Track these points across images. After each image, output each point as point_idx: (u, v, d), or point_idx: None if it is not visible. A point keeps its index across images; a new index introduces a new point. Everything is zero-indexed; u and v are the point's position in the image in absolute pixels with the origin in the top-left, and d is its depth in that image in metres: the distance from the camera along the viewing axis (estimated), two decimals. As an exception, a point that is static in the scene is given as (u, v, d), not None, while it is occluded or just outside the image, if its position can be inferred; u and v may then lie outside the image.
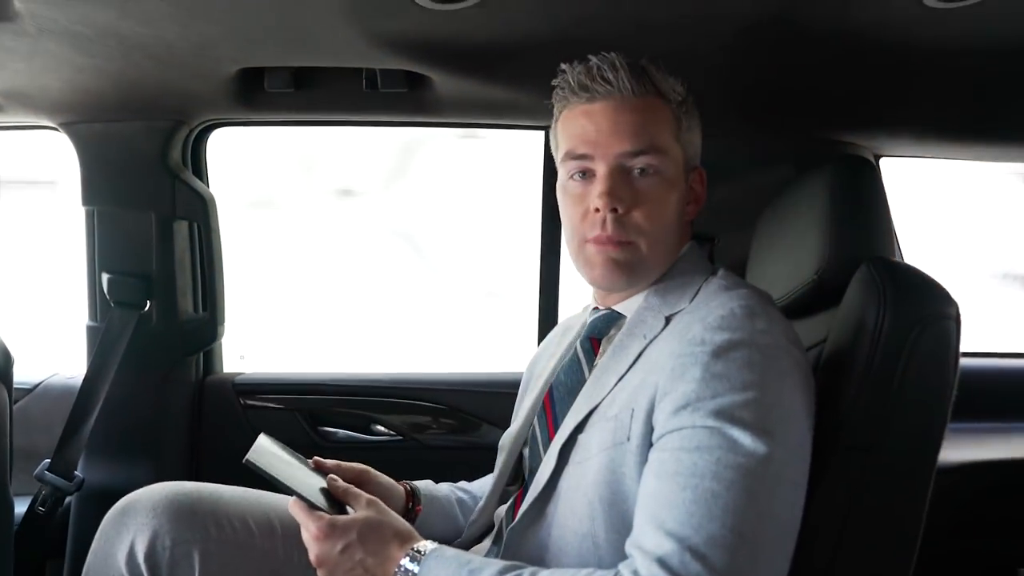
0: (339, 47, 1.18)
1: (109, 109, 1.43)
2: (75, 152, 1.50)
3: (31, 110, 1.45)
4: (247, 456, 0.83)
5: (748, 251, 1.17)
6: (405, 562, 0.81)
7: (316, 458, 0.98)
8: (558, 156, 0.96)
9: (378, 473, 1.06)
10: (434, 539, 1.06)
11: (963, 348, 0.89)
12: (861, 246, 0.96)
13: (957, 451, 1.17)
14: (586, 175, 0.91)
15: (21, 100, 1.39)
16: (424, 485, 1.11)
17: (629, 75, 0.89)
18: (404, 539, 0.84)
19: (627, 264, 0.90)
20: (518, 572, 0.78)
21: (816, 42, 1.10)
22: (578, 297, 1.11)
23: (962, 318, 0.88)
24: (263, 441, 0.92)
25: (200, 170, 1.60)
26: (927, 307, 0.87)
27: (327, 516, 0.84)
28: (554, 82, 0.95)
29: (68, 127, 1.48)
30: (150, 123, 1.47)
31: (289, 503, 0.86)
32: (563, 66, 0.94)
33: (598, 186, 0.89)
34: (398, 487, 1.07)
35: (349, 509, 0.88)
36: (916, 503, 0.87)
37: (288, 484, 0.84)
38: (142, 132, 1.47)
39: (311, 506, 0.85)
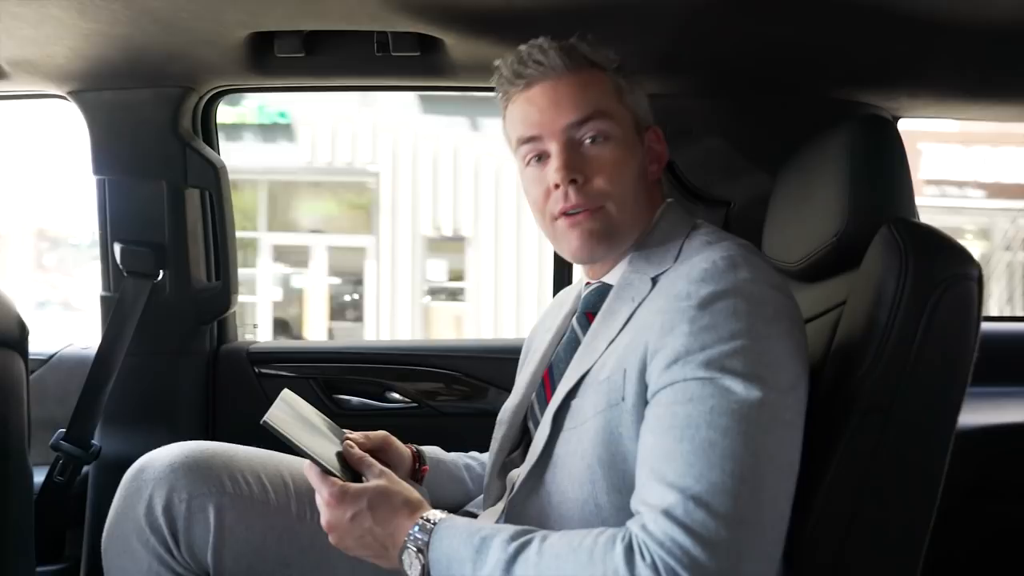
0: (350, 9, 1.16)
1: (117, 77, 1.41)
2: (84, 121, 1.48)
3: (38, 78, 1.43)
4: (264, 418, 0.83)
5: (764, 215, 1.16)
6: (415, 531, 0.82)
7: (346, 434, 0.99)
8: (512, 148, 0.97)
9: (396, 440, 1.08)
10: (444, 502, 1.07)
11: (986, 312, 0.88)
12: (881, 207, 0.94)
13: (977, 414, 1.16)
14: (541, 158, 0.93)
15: (28, 68, 1.38)
16: (431, 449, 1.13)
17: (558, 53, 0.92)
18: (414, 508, 0.84)
19: (601, 232, 0.91)
20: (528, 537, 0.78)
21: (835, 1, 1.07)
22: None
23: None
24: (285, 398, 0.92)
25: (211, 138, 1.59)
26: (949, 268, 0.86)
27: (339, 483, 0.85)
28: (491, 81, 0.98)
29: (76, 95, 1.46)
30: (159, 90, 1.46)
31: (304, 466, 0.87)
32: (496, 62, 0.96)
33: (553, 162, 0.91)
34: (407, 450, 1.09)
35: (364, 478, 0.89)
36: (935, 465, 0.87)
37: (303, 448, 0.84)
38: (151, 100, 1.46)
39: (324, 471, 0.85)
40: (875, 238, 0.90)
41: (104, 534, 1.00)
